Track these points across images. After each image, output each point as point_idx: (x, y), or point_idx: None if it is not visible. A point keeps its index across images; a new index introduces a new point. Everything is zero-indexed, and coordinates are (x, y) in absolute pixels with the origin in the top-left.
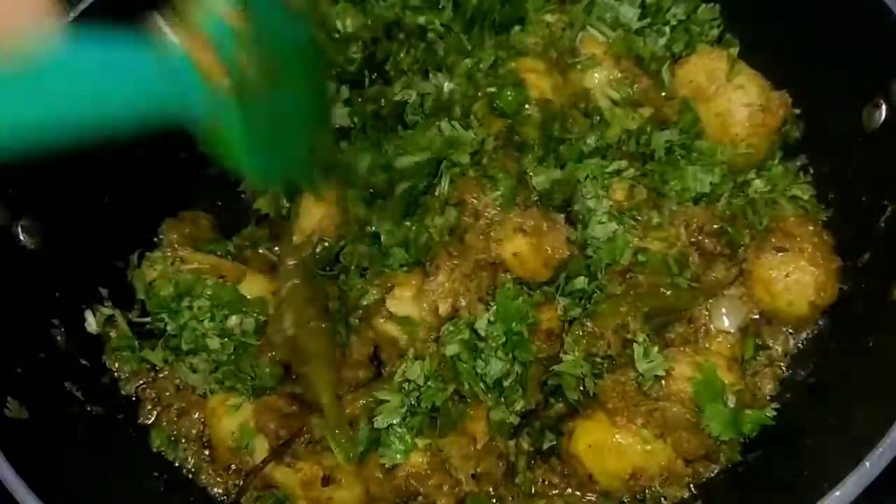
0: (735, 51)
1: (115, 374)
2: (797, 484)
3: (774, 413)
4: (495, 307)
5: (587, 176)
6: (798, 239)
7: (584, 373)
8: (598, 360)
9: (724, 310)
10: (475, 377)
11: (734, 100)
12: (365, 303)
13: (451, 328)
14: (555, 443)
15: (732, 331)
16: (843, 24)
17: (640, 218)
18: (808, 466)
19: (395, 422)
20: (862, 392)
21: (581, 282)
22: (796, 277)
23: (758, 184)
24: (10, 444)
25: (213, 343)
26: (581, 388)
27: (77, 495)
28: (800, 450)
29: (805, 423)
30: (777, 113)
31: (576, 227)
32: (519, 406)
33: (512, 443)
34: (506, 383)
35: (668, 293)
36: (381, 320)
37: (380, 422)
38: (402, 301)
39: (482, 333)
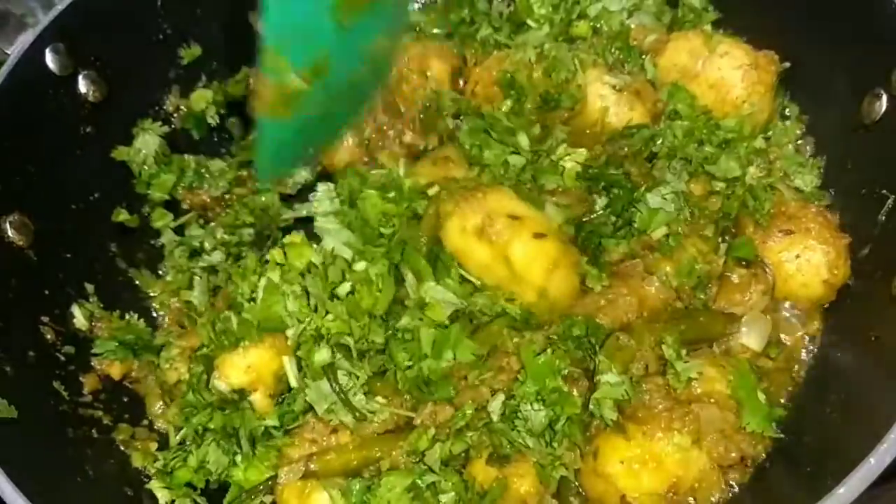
0: (709, 26)
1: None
2: (799, 481)
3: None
4: (522, 367)
5: (684, 158)
6: (803, 220)
7: (627, 391)
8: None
9: (749, 327)
10: (514, 433)
11: (723, 66)
12: None
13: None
14: None
15: (757, 349)
16: (843, 14)
17: (696, 216)
18: (812, 463)
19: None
20: (866, 386)
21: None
22: (807, 257)
23: (752, 171)
24: None
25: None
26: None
27: (65, 496)
28: (803, 446)
29: (809, 418)
30: (769, 69)
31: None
32: (568, 459)
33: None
34: (556, 427)
35: (702, 318)
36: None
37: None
38: None
39: (498, 410)
